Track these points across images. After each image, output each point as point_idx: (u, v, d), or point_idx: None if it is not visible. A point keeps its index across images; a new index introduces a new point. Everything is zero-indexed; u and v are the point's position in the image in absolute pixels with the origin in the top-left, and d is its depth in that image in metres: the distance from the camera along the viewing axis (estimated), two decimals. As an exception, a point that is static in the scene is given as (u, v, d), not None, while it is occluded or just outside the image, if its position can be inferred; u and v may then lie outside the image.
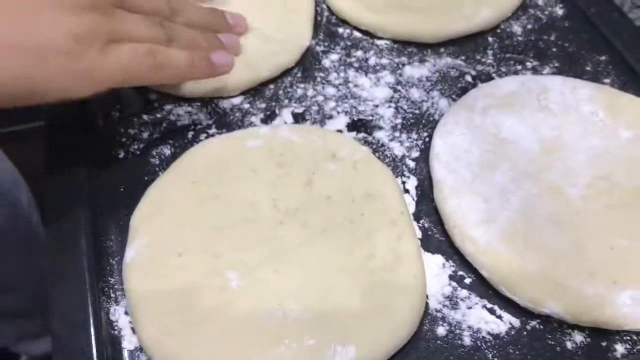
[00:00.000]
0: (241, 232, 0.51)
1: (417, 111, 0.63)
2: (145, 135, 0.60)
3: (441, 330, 0.48)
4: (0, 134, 1.40)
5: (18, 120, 1.48)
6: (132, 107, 0.62)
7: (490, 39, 0.70)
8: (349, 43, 0.69)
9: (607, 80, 0.65)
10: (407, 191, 0.57)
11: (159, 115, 0.62)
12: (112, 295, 0.50)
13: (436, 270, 0.52)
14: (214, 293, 0.48)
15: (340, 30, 0.71)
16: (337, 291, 0.48)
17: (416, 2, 0.70)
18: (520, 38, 0.69)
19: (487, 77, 0.65)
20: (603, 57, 0.67)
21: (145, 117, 0.62)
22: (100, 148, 0.59)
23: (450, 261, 0.52)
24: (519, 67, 0.66)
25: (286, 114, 0.63)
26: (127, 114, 0.62)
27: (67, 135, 0.59)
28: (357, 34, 0.70)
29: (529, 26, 0.71)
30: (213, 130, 0.61)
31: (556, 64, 0.67)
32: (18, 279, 0.96)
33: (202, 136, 0.60)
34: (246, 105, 0.63)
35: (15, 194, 0.93)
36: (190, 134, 0.61)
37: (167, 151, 0.59)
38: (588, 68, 0.66)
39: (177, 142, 0.60)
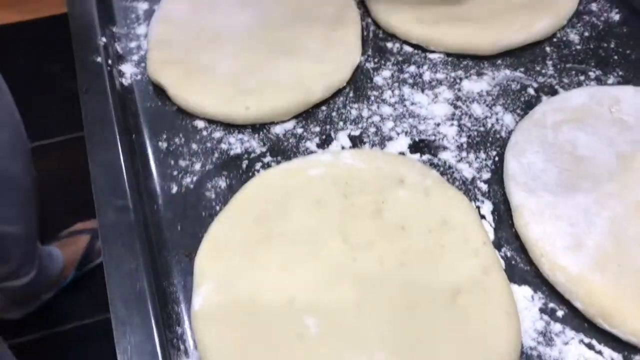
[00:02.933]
0: (314, 271, 0.48)
1: (481, 128, 0.59)
2: (197, 166, 0.57)
3: (539, 370, 0.45)
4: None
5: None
6: (180, 136, 0.59)
7: (547, 48, 0.66)
8: (400, 58, 0.66)
9: (677, 88, 0.62)
10: (482, 217, 0.53)
11: (209, 145, 0.58)
12: (182, 346, 0.46)
13: (525, 304, 0.48)
14: (293, 341, 0.44)
15: (390, 44, 0.67)
16: (426, 334, 0.44)
17: (469, 13, 0.67)
18: (578, 46, 0.66)
19: (550, 89, 0.62)
20: (670, 63, 0.64)
21: (194, 146, 0.58)
22: (152, 182, 0.55)
23: (539, 292, 0.49)
24: (582, 78, 0.63)
25: (342, 137, 0.59)
26: (176, 144, 0.58)
27: (113, 170, 0.55)
28: (407, 48, 0.67)
29: (586, 33, 0.67)
30: (268, 158, 0.57)
31: (620, 73, 0.63)
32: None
33: (257, 165, 0.57)
34: (299, 130, 0.60)
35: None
36: (244, 164, 0.57)
37: (222, 183, 0.55)
38: (655, 75, 0.63)
39: (231, 172, 0.56)
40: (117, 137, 0.57)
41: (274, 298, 0.46)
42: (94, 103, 0.59)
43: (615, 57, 0.65)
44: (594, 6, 0.70)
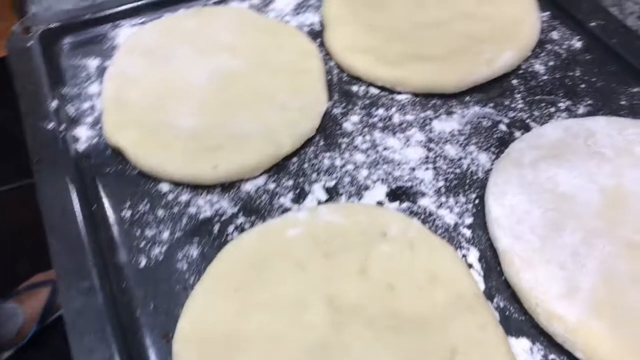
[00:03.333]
0: (300, 342, 0.45)
1: (457, 170, 0.58)
2: (165, 235, 0.53)
3: None
4: None
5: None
6: (144, 203, 0.55)
7: (514, 81, 0.65)
8: (367, 101, 0.64)
9: (646, 114, 0.61)
10: (470, 265, 0.51)
11: (176, 210, 0.55)
12: None
13: (524, 357, 0.46)
14: None
15: (355, 88, 0.65)
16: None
17: (431, 51, 0.65)
18: (545, 77, 0.66)
19: (522, 124, 0.61)
20: (636, 89, 0.64)
21: (160, 212, 0.55)
22: (118, 257, 0.51)
23: (537, 344, 0.47)
24: (552, 109, 0.62)
25: (318, 190, 0.56)
26: (140, 211, 0.55)
27: (75, 247, 0.51)
28: (373, 90, 0.65)
29: (551, 63, 0.67)
30: (241, 219, 0.54)
31: (589, 102, 0.63)
32: None
33: (230, 228, 0.54)
34: (272, 185, 0.57)
35: None
36: (216, 227, 0.54)
37: (194, 252, 0.52)
38: (623, 102, 0.63)
39: (203, 238, 0.53)
40: (77, 209, 0.53)
41: (262, 378, 0.43)
42: (49, 175, 0.55)
43: (583, 86, 0.64)
44: (555, 34, 0.70)
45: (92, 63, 0.68)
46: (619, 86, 0.64)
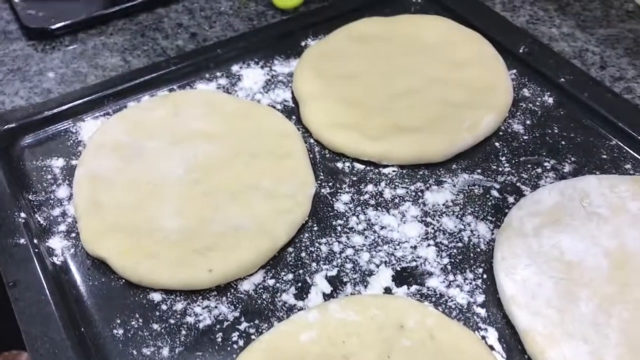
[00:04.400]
0: None
1: (459, 244, 0.56)
2: (165, 352, 0.49)
3: None
4: None
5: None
6: (136, 317, 0.51)
7: (497, 144, 0.65)
8: (354, 178, 0.62)
9: (628, 166, 0.62)
10: (491, 347, 0.49)
11: (172, 321, 0.51)
12: None
13: None
14: None
15: (340, 165, 0.64)
16: None
17: (411, 122, 0.65)
18: (525, 137, 0.66)
19: (513, 188, 0.61)
20: (613, 142, 0.65)
21: (156, 327, 0.51)
22: (116, 386, 0.47)
23: None
24: (539, 170, 0.62)
25: (320, 281, 0.54)
26: (134, 327, 0.50)
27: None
28: (359, 165, 0.63)
29: (528, 122, 0.67)
30: (244, 324, 0.51)
31: (572, 158, 0.63)
32: None
33: (234, 335, 0.50)
34: (271, 282, 0.54)
35: None
36: (219, 337, 0.50)
37: (199, 367, 0.48)
38: (604, 156, 0.63)
39: (206, 351, 0.49)
40: (64, 335, 0.48)
41: None
42: (27, 298, 0.50)
43: (563, 143, 0.65)
44: (526, 92, 0.71)
45: (57, 163, 0.64)
46: (598, 140, 0.65)
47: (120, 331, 0.50)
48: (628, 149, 0.64)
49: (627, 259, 0.53)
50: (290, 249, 0.56)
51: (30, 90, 0.74)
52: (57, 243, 0.56)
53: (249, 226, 0.55)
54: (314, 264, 0.55)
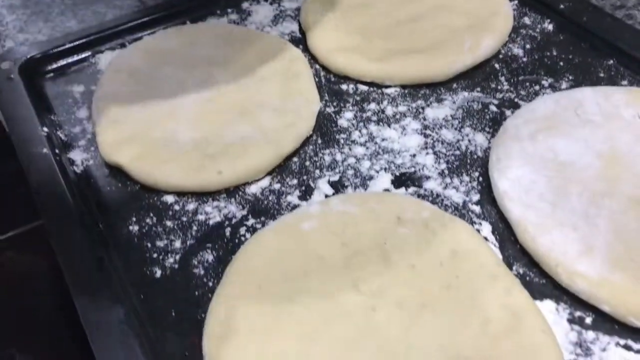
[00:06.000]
0: (335, 332, 0.44)
1: (457, 152, 0.59)
2: (177, 244, 0.52)
3: (587, 384, 0.43)
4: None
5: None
6: (150, 216, 0.54)
7: (496, 65, 0.67)
8: (357, 98, 0.65)
9: (624, 82, 0.64)
10: (485, 238, 0.52)
11: (184, 219, 0.54)
12: None
13: (552, 318, 0.46)
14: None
15: (344, 86, 0.66)
16: (469, 373, 0.42)
17: (414, 44, 0.67)
18: (524, 59, 0.68)
19: (511, 103, 0.63)
20: (611, 61, 0.66)
21: (169, 223, 0.54)
22: (132, 271, 0.50)
23: (561, 303, 0.47)
24: (537, 87, 0.64)
25: (323, 185, 0.57)
26: (148, 224, 0.54)
27: (86, 264, 0.50)
28: (362, 87, 0.66)
29: (528, 46, 0.69)
30: (251, 221, 0.54)
31: (570, 77, 0.65)
32: None
33: (242, 230, 0.53)
34: (277, 186, 0.57)
35: None
36: (227, 231, 0.53)
37: (209, 257, 0.51)
38: (602, 74, 0.65)
39: (216, 243, 0.52)
40: (84, 230, 0.52)
41: (301, 369, 0.42)
42: (50, 199, 0.54)
43: (561, 64, 0.67)
44: (527, 20, 0.72)
45: (77, 89, 0.67)
46: (596, 60, 0.67)
47: (136, 228, 0.54)
48: (625, 68, 0.65)
49: (618, 159, 0.55)
50: (295, 159, 0.59)
51: (52, 29, 0.78)
52: (77, 155, 0.60)
53: (257, 136, 0.58)
54: (317, 171, 0.58)
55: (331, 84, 0.67)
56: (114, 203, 0.56)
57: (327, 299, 0.46)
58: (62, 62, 0.70)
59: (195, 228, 0.54)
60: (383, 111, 0.63)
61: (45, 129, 0.61)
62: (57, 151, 0.59)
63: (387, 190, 0.56)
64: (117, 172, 0.58)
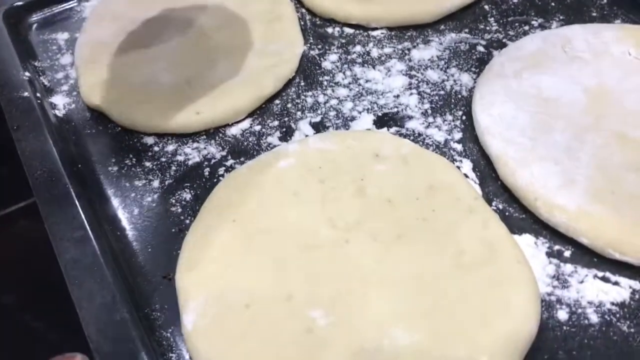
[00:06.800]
0: (307, 262, 0.44)
1: (442, 92, 0.58)
2: (155, 183, 0.52)
3: (562, 315, 0.43)
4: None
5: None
6: (130, 157, 0.54)
7: (486, 7, 0.66)
8: (343, 41, 0.64)
9: (618, 21, 0.62)
10: (465, 175, 0.51)
11: (163, 159, 0.54)
12: (180, 373, 0.41)
13: (530, 251, 0.46)
14: (302, 339, 0.40)
15: (330, 29, 0.65)
16: (442, 302, 0.41)
17: (401, -15, 0.65)
18: (515, 0, 0.66)
19: (499, 44, 0.61)
20: (604, 0, 0.64)
21: (148, 164, 0.54)
22: (109, 209, 0.50)
23: (540, 238, 0.47)
24: (526, 27, 0.63)
25: (304, 126, 0.56)
26: (127, 165, 0.54)
27: (64, 202, 0.49)
28: (348, 29, 0.65)
29: (519, -13, 0.67)
30: (230, 161, 0.53)
31: (561, 17, 0.63)
32: None
33: (220, 170, 0.53)
34: (257, 127, 0.56)
35: None
36: (206, 171, 0.53)
37: (186, 195, 0.51)
38: (594, 14, 0.63)
39: (194, 183, 0.52)
40: (62, 168, 0.52)
41: (272, 299, 0.42)
42: (30, 139, 0.54)
43: (552, 4, 0.65)
44: (519, -40, 0.70)
45: (62, 36, 0.67)
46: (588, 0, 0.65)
47: (115, 168, 0.54)
48: (618, 7, 0.64)
49: (606, 95, 0.53)
50: (277, 101, 0.58)
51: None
52: (59, 100, 0.60)
53: (238, 78, 0.58)
54: (299, 113, 0.57)
55: (316, 27, 0.66)
56: (93, 145, 0.56)
57: (301, 232, 0.46)
58: (48, 12, 0.70)
59: (174, 168, 0.53)
60: (368, 53, 0.62)
61: (28, 74, 0.61)
62: (38, 95, 0.59)
63: (368, 130, 0.55)
64: (98, 115, 0.58)
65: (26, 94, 0.58)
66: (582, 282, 0.44)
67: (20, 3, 0.69)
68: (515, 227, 0.47)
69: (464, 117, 0.55)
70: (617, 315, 0.42)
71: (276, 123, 0.56)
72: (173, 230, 0.49)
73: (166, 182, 0.52)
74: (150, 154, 0.55)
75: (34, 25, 0.69)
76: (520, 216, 0.48)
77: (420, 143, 0.54)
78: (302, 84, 0.60)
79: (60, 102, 0.60)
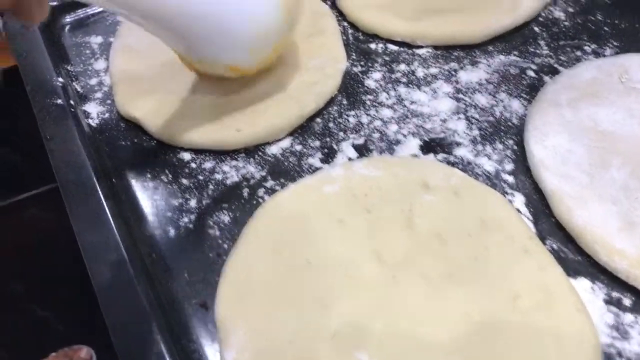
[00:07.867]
0: (353, 298, 0.42)
1: (491, 118, 0.55)
2: (192, 203, 0.50)
3: (623, 368, 0.40)
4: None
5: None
6: (166, 172, 0.52)
7: (536, 28, 0.63)
8: (387, 58, 0.61)
9: (675, 50, 0.60)
10: (517, 210, 0.48)
11: (201, 177, 0.52)
12: (219, 411, 0.39)
13: (587, 297, 0.43)
14: (348, 381, 0.38)
15: (373, 45, 0.63)
16: (495, 348, 0.39)
17: (451, 2, 0.63)
18: (566, 23, 0.63)
19: (550, 69, 0.59)
20: (661, 28, 0.62)
21: (184, 181, 0.52)
22: (145, 229, 0.48)
23: (598, 283, 0.44)
24: (579, 53, 0.60)
25: (347, 148, 0.54)
26: (163, 181, 0.52)
27: (98, 220, 0.48)
28: (392, 46, 0.63)
29: (570, 9, 0.65)
30: (270, 182, 0.51)
31: (615, 43, 0.61)
32: None
33: (260, 191, 0.51)
34: (298, 147, 0.54)
35: None
36: (245, 192, 0.51)
37: (225, 217, 0.49)
38: (650, 41, 0.61)
39: (232, 204, 0.50)
40: (96, 183, 0.50)
41: (317, 337, 0.40)
42: (63, 150, 0.52)
43: (606, 29, 0.62)
44: (570, -18, 0.68)
45: (96, 40, 0.65)
46: (644, 26, 0.62)
47: (151, 184, 0.52)
48: (676, 34, 0.61)
49: (666, 131, 0.51)
50: (319, 120, 0.56)
51: (72, -21, 0.75)
52: (93, 108, 0.58)
53: (279, 94, 0.56)
54: (341, 133, 0.55)
55: (359, 42, 0.63)
56: (128, 158, 0.54)
57: (346, 265, 0.44)
58: (81, 13, 0.68)
59: (211, 187, 0.51)
60: (413, 73, 0.60)
61: (61, 79, 0.59)
62: (72, 102, 0.57)
63: (414, 156, 0.53)
64: (133, 126, 0.56)
65: (59, 101, 0.56)
66: (643, 333, 0.42)
67: (54, 3, 0.67)
68: (570, 270, 0.45)
69: (515, 147, 0.53)
70: (681, 372, 0.40)
71: (317, 143, 0.54)
72: (211, 255, 0.47)
73: (204, 202, 0.50)
74: (187, 170, 0.53)
75: (67, 27, 0.67)
76: (576, 258, 0.46)
77: (470, 173, 0.51)
78: (345, 102, 0.58)
79: (94, 111, 0.58)
